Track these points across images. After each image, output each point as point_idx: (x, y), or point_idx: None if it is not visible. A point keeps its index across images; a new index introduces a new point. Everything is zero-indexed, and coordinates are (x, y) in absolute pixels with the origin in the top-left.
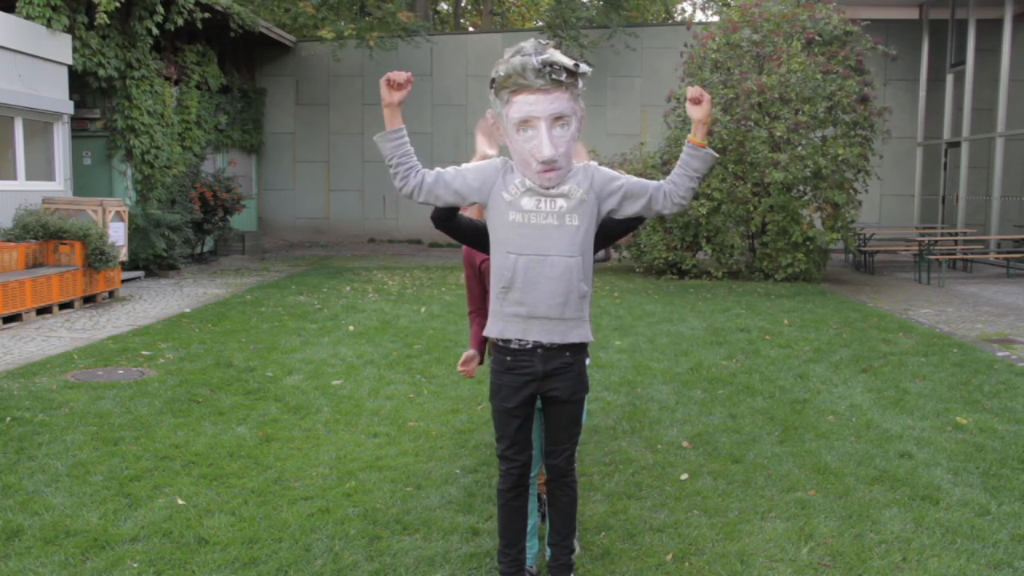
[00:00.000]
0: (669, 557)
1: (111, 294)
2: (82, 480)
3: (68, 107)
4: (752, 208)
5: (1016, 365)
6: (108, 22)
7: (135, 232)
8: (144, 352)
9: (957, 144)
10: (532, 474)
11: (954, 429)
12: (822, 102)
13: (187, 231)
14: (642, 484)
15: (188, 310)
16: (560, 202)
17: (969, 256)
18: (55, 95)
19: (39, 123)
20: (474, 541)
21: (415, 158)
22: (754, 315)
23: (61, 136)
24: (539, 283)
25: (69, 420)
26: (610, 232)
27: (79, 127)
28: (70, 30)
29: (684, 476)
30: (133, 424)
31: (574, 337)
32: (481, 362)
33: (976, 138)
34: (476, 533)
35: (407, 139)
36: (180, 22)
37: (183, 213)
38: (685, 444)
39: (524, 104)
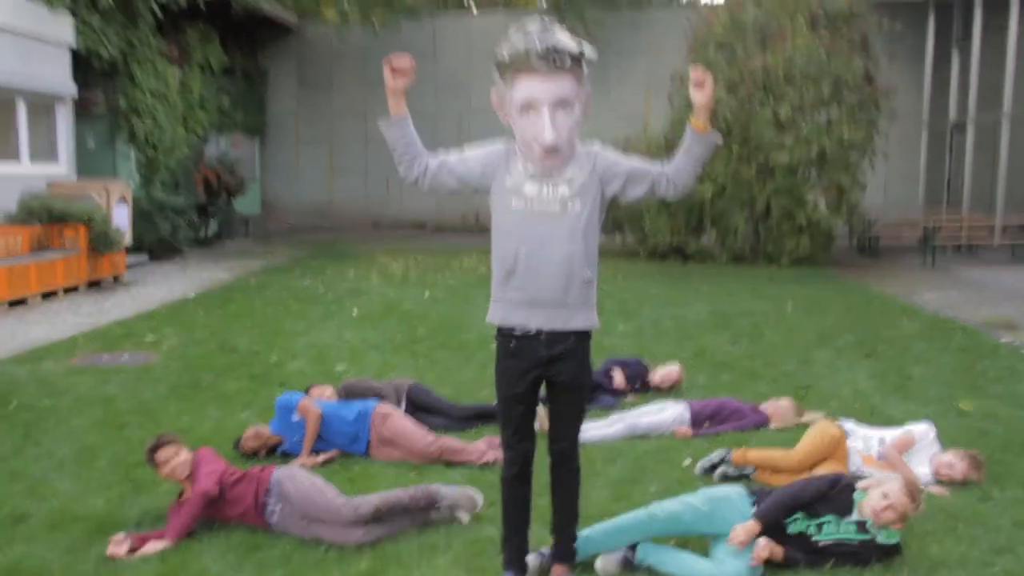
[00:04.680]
0: (672, 542)
1: (116, 278)
2: (88, 465)
3: (71, 88)
4: (757, 191)
5: (1020, 350)
6: (112, 4)
7: (139, 215)
8: (149, 337)
9: (963, 126)
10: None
11: (957, 414)
12: (827, 81)
13: (191, 214)
14: (645, 469)
15: (192, 294)
16: (562, 188)
17: (974, 240)
18: (58, 76)
19: (42, 105)
20: (477, 527)
21: (420, 145)
22: (758, 299)
23: (64, 118)
24: (541, 269)
25: (74, 405)
26: None
27: (82, 109)
28: (72, 11)
29: (687, 461)
30: (138, 409)
31: (577, 323)
32: None
33: (982, 120)
34: (478, 519)
35: (411, 127)
36: (183, 2)
37: (187, 196)
38: (688, 429)
39: (527, 87)
